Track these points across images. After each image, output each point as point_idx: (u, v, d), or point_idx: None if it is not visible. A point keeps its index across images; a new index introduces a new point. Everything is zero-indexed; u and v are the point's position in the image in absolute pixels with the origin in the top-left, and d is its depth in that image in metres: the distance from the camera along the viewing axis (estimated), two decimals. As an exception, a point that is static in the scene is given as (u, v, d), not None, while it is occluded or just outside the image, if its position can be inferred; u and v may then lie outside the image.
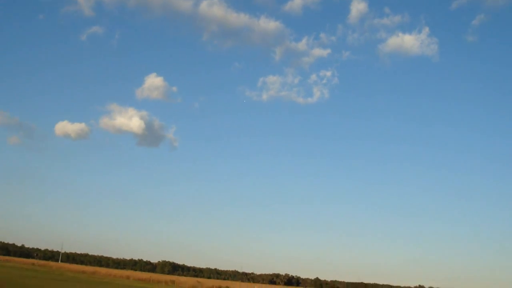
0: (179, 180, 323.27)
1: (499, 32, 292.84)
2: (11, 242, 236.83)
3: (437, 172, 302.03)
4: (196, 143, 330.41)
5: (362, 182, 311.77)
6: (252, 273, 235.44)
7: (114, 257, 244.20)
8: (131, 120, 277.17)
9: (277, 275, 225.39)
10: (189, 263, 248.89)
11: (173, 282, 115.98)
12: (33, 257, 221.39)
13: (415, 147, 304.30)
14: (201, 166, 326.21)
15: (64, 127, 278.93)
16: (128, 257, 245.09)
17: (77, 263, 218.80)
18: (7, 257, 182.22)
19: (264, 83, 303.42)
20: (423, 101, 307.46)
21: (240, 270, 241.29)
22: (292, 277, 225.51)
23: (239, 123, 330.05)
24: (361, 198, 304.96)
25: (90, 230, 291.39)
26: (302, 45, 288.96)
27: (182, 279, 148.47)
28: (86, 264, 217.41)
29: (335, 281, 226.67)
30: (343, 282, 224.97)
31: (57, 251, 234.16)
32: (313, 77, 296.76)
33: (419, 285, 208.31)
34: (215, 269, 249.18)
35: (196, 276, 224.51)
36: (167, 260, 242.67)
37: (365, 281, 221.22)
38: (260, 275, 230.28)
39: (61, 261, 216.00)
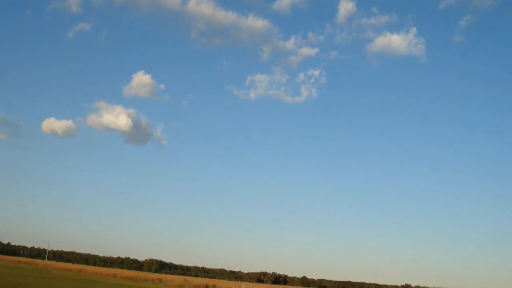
0: (167, 178, 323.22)
1: (486, 33, 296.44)
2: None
3: (423, 170, 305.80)
4: (183, 141, 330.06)
5: (348, 181, 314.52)
6: (240, 272, 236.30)
7: (101, 255, 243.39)
8: (118, 118, 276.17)
9: (265, 274, 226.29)
10: (176, 262, 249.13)
11: (160, 280, 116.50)
12: (19, 255, 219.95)
13: (401, 145, 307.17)
14: (188, 164, 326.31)
15: (51, 124, 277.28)
16: (115, 255, 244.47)
17: (64, 261, 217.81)
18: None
19: (252, 81, 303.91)
20: (410, 101, 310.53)
21: (227, 269, 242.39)
22: (279, 275, 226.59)
23: (226, 121, 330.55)
24: (348, 197, 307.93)
25: (77, 228, 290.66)
26: (290, 44, 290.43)
27: (169, 277, 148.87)
28: (73, 262, 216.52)
29: (322, 279, 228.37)
30: (330, 281, 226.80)
31: (44, 249, 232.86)
32: (301, 76, 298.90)
33: (406, 284, 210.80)
34: (203, 267, 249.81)
35: (184, 274, 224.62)
36: (154, 258, 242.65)
37: (352, 280, 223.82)
38: (248, 274, 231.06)
39: (48, 259, 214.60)
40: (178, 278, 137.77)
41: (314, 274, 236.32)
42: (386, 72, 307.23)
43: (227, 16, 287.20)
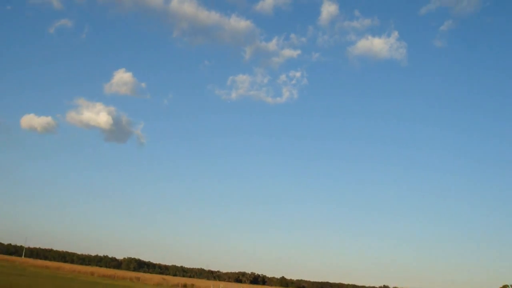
0: (147, 176, 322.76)
1: (466, 38, 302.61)
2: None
3: (400, 170, 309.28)
4: (164, 140, 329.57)
5: (328, 181, 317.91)
6: (218, 271, 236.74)
7: (79, 252, 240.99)
8: (98, 115, 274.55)
9: (243, 274, 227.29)
10: (154, 260, 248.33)
11: (138, 279, 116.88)
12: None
13: (380, 146, 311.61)
14: (168, 163, 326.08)
15: (31, 120, 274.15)
16: (93, 253, 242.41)
17: (41, 259, 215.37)
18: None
19: (233, 82, 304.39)
20: (390, 104, 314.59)
21: (206, 268, 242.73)
22: (258, 275, 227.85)
23: (207, 121, 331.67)
24: (327, 198, 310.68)
25: (55, 225, 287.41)
26: (272, 45, 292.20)
27: (148, 276, 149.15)
28: (50, 260, 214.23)
29: (301, 280, 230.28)
30: (309, 282, 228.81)
31: (21, 245, 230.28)
32: (283, 77, 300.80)
33: (384, 285, 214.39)
34: (181, 266, 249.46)
35: (162, 273, 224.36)
36: (132, 257, 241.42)
37: (331, 281, 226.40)
38: (226, 273, 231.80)
39: (25, 256, 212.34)
40: (156, 277, 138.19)
41: (292, 275, 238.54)
42: (367, 75, 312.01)
43: (210, 16, 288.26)
